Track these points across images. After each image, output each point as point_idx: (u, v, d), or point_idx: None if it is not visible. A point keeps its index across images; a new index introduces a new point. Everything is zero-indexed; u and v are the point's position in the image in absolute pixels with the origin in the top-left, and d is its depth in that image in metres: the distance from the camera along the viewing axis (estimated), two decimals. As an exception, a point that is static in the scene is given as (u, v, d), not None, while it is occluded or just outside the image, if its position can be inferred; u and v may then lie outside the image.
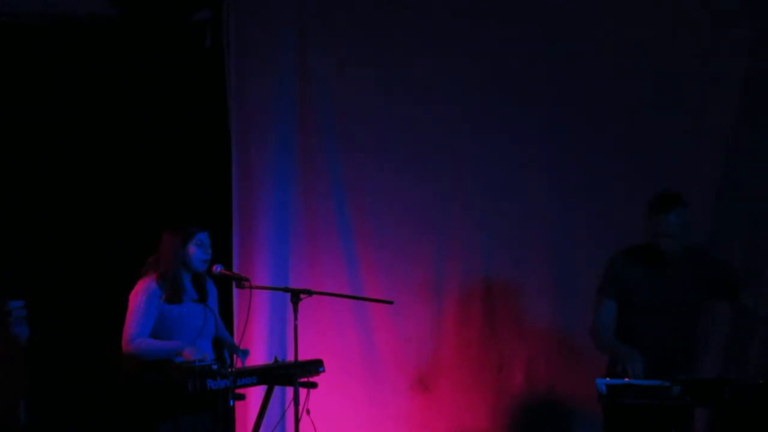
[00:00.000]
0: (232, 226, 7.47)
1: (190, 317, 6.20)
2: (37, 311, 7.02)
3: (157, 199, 7.37)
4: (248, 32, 7.51)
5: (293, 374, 6.11)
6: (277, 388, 6.54)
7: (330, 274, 7.50)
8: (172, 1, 7.51)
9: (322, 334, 7.42)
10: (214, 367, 5.86)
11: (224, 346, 6.51)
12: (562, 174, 7.49)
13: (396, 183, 7.57)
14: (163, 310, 6.13)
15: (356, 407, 7.53)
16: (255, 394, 6.80)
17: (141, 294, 6.13)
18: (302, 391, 6.13)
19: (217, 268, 6.24)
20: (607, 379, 5.93)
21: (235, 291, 7.22)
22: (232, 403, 5.90)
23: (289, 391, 6.19)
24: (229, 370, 5.92)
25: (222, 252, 6.62)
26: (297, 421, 6.07)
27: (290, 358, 6.37)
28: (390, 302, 6.82)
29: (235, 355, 6.43)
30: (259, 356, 7.20)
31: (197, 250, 6.19)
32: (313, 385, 6.24)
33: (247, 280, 6.32)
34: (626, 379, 5.88)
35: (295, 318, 6.14)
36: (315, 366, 6.31)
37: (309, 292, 6.23)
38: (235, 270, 7.04)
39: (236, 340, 6.53)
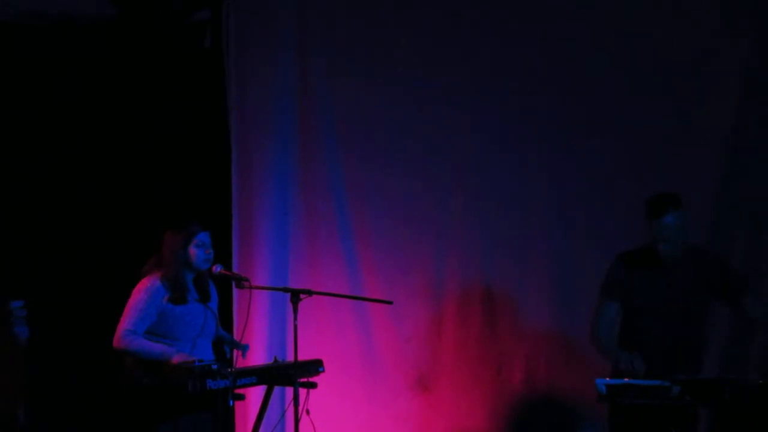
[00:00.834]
0: (232, 226, 7.47)
1: (192, 316, 6.20)
2: (37, 311, 7.02)
3: (157, 199, 7.37)
4: (248, 32, 7.51)
5: (293, 374, 6.11)
6: (276, 389, 6.54)
7: (330, 274, 7.50)
8: (172, 1, 7.51)
9: (321, 334, 7.42)
10: (214, 367, 5.87)
11: (224, 343, 6.52)
12: (561, 174, 7.49)
13: (396, 183, 7.57)
14: (164, 310, 6.12)
15: (356, 407, 7.52)
16: (255, 394, 6.81)
17: (144, 292, 6.12)
18: (302, 391, 6.12)
19: (217, 268, 6.24)
20: (608, 379, 5.93)
21: (234, 291, 7.21)
22: (231, 404, 5.90)
23: (289, 391, 6.19)
24: (229, 370, 5.92)
25: (222, 252, 6.61)
26: (297, 421, 6.07)
27: (290, 358, 6.36)
28: (390, 302, 6.82)
29: (235, 351, 6.44)
30: (258, 356, 7.20)
31: (198, 251, 6.19)
32: (313, 386, 6.24)
33: (246, 280, 6.32)
34: (626, 379, 5.88)
35: (295, 318, 6.13)
36: (315, 366, 6.31)
37: (309, 292, 6.23)
38: (234, 270, 7.03)
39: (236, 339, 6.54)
